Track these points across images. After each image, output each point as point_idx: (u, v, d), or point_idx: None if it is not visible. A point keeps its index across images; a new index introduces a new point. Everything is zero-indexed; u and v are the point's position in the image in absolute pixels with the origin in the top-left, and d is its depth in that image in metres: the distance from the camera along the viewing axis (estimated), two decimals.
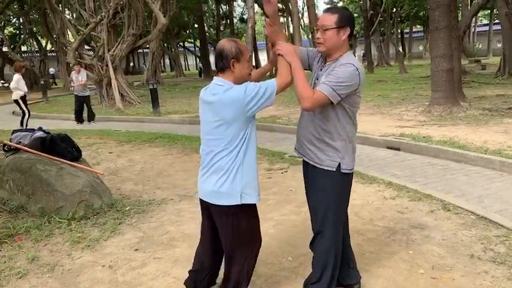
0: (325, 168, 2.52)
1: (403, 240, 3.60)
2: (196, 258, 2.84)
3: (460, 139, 7.04)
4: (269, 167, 6.11)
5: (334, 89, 2.33)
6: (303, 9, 42.38)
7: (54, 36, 28.11)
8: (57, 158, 4.80)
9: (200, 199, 2.60)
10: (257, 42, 34.22)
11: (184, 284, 2.88)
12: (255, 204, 2.55)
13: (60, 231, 4.15)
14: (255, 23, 19.26)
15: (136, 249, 3.72)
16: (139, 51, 41.29)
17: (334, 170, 2.51)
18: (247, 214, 2.50)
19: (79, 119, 12.77)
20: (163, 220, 4.36)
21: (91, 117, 12.88)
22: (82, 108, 12.71)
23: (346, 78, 2.34)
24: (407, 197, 4.61)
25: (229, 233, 2.52)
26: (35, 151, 4.79)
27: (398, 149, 7.21)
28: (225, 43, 2.39)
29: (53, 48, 33.37)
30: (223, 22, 44.93)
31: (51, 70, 36.17)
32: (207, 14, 42.05)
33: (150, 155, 7.55)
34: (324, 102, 2.36)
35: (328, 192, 2.57)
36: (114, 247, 3.79)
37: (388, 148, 7.37)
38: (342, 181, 2.56)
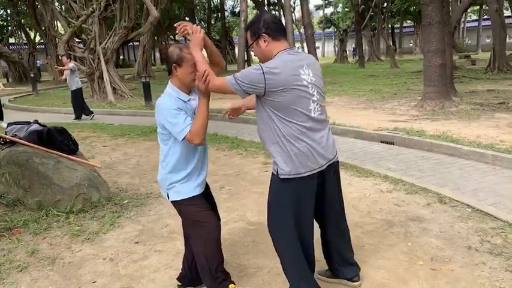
0: (272, 170, 2.53)
1: (401, 233, 3.65)
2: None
3: (453, 133, 7.12)
4: (265, 161, 6.13)
5: (235, 77, 2.33)
6: (294, 3, 42.40)
7: (43, 28, 27.78)
8: (54, 151, 4.77)
9: None
10: None
11: (177, 279, 2.95)
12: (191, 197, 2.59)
13: (58, 224, 4.14)
14: (247, 16, 19.17)
15: (137, 242, 3.73)
16: (129, 44, 40.95)
17: (275, 173, 2.48)
18: (180, 204, 2.58)
19: (85, 113, 12.00)
20: (162, 213, 4.37)
21: (75, 113, 11.96)
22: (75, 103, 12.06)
23: (247, 75, 2.33)
24: (403, 190, 4.66)
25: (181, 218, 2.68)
26: (31, 144, 4.76)
27: (392, 143, 7.27)
28: (170, 48, 2.53)
29: (41, 41, 32.96)
30: (214, 15, 44.70)
31: (38, 62, 35.39)
32: (198, 7, 41.78)
33: (145, 148, 7.53)
34: (222, 87, 2.38)
35: (270, 194, 2.58)
36: (114, 240, 3.80)
37: (382, 142, 7.42)
38: (280, 186, 2.48)
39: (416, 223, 3.82)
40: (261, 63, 2.37)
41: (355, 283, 2.88)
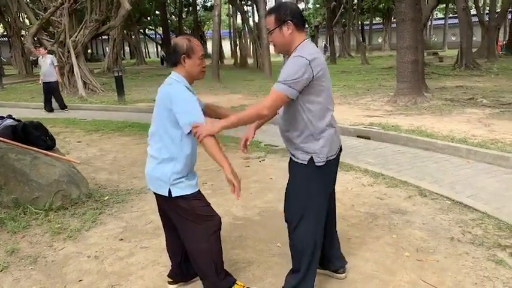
0: (299, 161, 2.53)
1: (385, 225, 3.72)
2: (168, 251, 2.88)
3: (427, 128, 7.30)
4: (246, 156, 6.10)
5: (287, 84, 2.31)
6: None
7: (8, 20, 26.74)
8: (30, 147, 4.61)
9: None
10: (221, 31, 33.81)
11: (167, 276, 2.92)
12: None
13: (37, 222, 4.01)
14: (221, 11, 19.04)
15: (121, 239, 3.66)
16: (98, 38, 40.08)
17: (306, 163, 2.49)
18: (185, 199, 2.51)
19: (49, 108, 12.04)
20: (145, 209, 4.30)
21: (61, 105, 12.15)
22: (51, 97, 12.05)
23: (295, 71, 2.29)
24: (384, 184, 4.75)
25: (175, 216, 2.58)
26: (6, 140, 4.58)
27: (368, 138, 7.40)
28: (178, 39, 2.51)
29: (5, 33, 31.75)
30: (186, 9, 44.19)
31: (1, 55, 33.99)
32: (169, 1, 41.19)
33: (121, 144, 7.38)
34: (280, 100, 2.35)
35: (301, 186, 2.57)
36: (97, 237, 3.71)
37: (358, 137, 7.54)
38: (314, 175, 2.50)
39: (399, 215, 3.90)
40: (300, 55, 2.33)
41: (341, 275, 2.93)
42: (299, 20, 2.44)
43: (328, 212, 2.79)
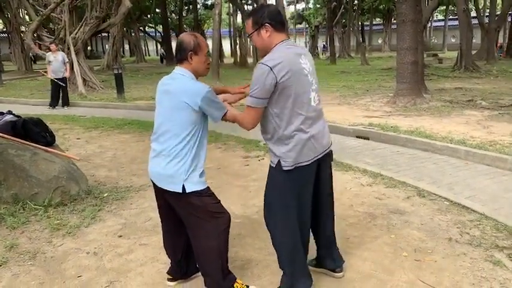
0: (271, 163, 2.56)
1: (384, 225, 3.73)
2: (166, 249, 2.87)
3: (426, 129, 7.31)
4: (245, 155, 6.13)
5: (253, 96, 2.37)
6: None
7: (8, 15, 26.71)
8: (30, 143, 4.61)
9: (153, 183, 2.61)
10: (221, 29, 33.80)
11: (167, 273, 2.92)
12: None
13: (36, 218, 4.02)
14: (221, 10, 19.02)
15: (120, 236, 3.67)
16: (98, 35, 40.03)
17: (274, 165, 2.51)
18: (198, 195, 2.49)
19: (54, 104, 12.21)
20: (144, 207, 4.31)
21: (65, 101, 12.36)
22: (59, 93, 12.20)
23: (257, 81, 2.34)
24: (383, 184, 4.77)
25: (186, 214, 2.55)
26: (5, 135, 4.58)
27: (367, 138, 7.41)
28: (185, 36, 2.50)
29: (4, 29, 31.71)
30: (186, 8, 44.16)
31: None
32: None
33: (120, 141, 7.39)
34: (255, 112, 2.42)
35: (270, 187, 2.59)
36: (96, 234, 3.72)
37: (357, 137, 7.56)
38: (282, 178, 2.49)
39: (397, 216, 3.92)
40: (261, 62, 2.36)
41: (339, 274, 2.94)
42: (277, 22, 2.45)
43: (320, 214, 2.80)
